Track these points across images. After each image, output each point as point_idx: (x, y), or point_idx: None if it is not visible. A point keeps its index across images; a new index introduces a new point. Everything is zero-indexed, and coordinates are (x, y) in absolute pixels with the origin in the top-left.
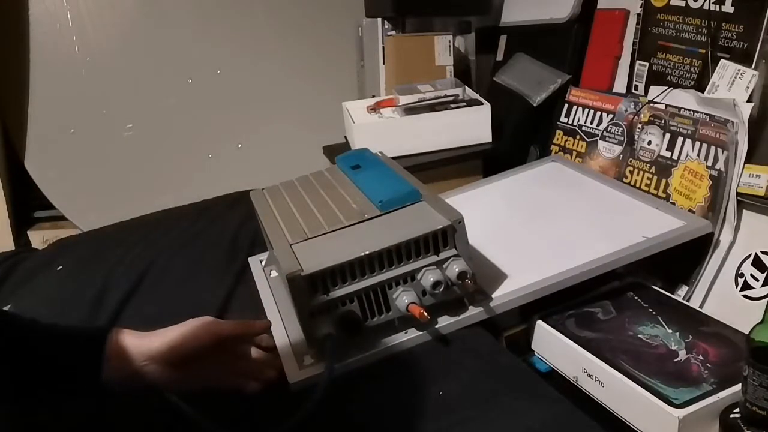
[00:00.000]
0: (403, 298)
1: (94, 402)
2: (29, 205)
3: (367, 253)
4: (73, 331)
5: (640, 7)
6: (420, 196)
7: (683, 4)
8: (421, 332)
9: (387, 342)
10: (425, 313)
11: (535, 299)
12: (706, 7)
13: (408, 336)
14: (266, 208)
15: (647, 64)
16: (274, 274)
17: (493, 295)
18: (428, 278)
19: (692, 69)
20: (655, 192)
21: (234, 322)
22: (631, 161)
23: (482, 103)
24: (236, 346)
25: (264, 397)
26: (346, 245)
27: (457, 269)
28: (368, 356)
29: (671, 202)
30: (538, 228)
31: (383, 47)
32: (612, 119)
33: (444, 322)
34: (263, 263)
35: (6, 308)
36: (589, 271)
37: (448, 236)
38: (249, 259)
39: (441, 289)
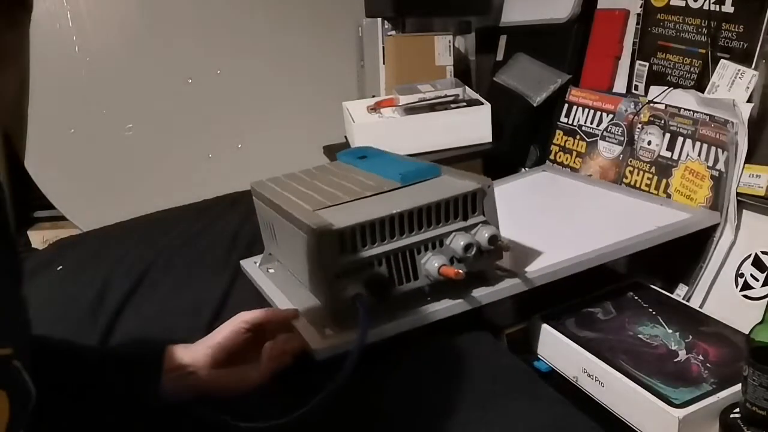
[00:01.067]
0: (434, 262)
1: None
2: (29, 205)
3: (398, 211)
4: (129, 351)
5: (640, 7)
6: (440, 171)
7: (683, 4)
8: (452, 302)
9: (419, 311)
10: (461, 272)
11: (558, 280)
12: (706, 7)
13: (442, 305)
14: (273, 192)
15: (647, 64)
16: (272, 270)
17: (526, 269)
18: (458, 242)
19: (692, 69)
20: (655, 192)
21: (264, 309)
22: (631, 161)
23: (482, 103)
24: (267, 333)
25: (285, 371)
26: (373, 208)
27: (486, 234)
28: (398, 324)
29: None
30: (551, 223)
31: (383, 47)
32: (612, 119)
33: (480, 292)
34: (258, 263)
35: None
36: (610, 253)
37: (478, 201)
38: (241, 262)
39: (472, 253)
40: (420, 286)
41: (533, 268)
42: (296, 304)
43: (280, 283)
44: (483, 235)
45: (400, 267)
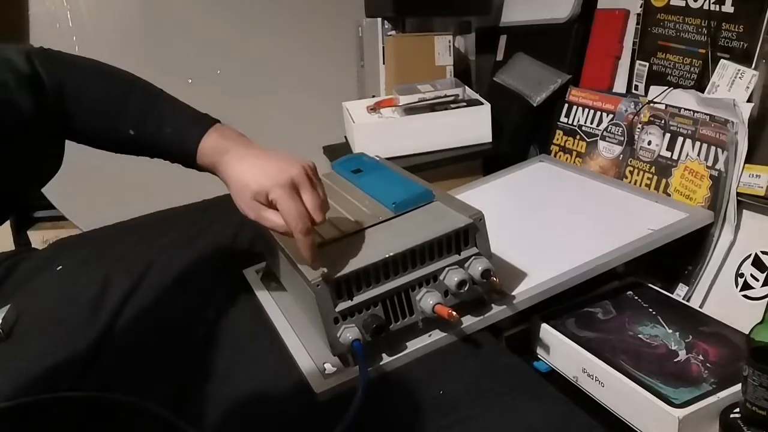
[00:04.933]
0: (428, 300)
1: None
2: (29, 205)
3: (392, 254)
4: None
5: (640, 7)
6: (433, 195)
7: (683, 4)
8: (445, 334)
9: (411, 345)
10: (455, 314)
11: (553, 295)
12: (706, 7)
13: (432, 338)
14: None
15: (647, 64)
16: (273, 285)
17: (512, 293)
18: (452, 278)
19: (692, 69)
20: (655, 192)
21: (306, 169)
22: (631, 161)
23: (482, 103)
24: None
25: (291, 409)
26: (368, 248)
27: (480, 268)
28: (394, 360)
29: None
30: (543, 226)
31: (383, 47)
32: (612, 119)
33: (468, 321)
34: (260, 275)
35: (6, 308)
36: (604, 264)
37: (470, 235)
38: (244, 271)
39: (465, 288)
40: (414, 321)
41: (525, 287)
42: (297, 331)
43: (281, 302)
44: (476, 268)
45: (395, 306)
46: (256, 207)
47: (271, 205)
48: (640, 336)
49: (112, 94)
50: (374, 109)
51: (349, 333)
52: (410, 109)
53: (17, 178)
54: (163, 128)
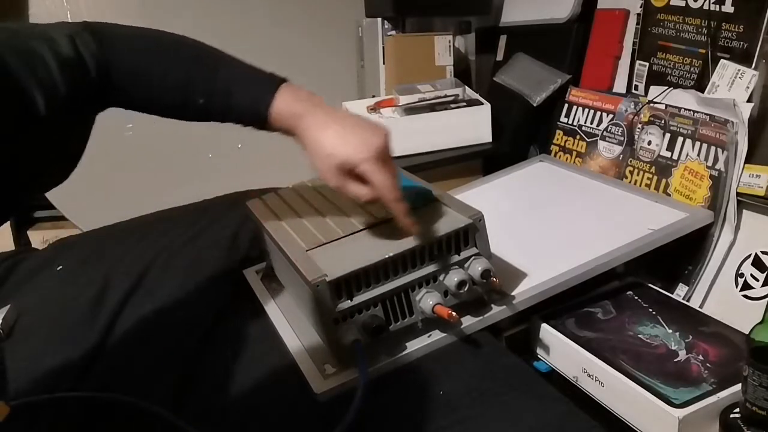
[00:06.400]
0: (428, 300)
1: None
2: (29, 205)
3: (392, 254)
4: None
5: (640, 7)
6: (433, 195)
7: (683, 4)
8: (444, 334)
9: (411, 346)
10: (454, 314)
11: (553, 295)
12: (706, 7)
13: (432, 339)
14: (269, 217)
15: (647, 64)
16: (273, 285)
17: (512, 293)
18: (452, 278)
19: (692, 69)
20: (655, 192)
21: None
22: (631, 161)
23: (482, 103)
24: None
25: (291, 409)
26: (367, 249)
27: (480, 268)
28: (394, 361)
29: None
30: (543, 226)
31: (383, 47)
32: (612, 119)
33: (468, 321)
34: (260, 275)
35: (6, 308)
36: (604, 264)
37: (470, 235)
38: (244, 272)
39: (465, 289)
40: (414, 322)
41: (525, 287)
42: (297, 332)
43: (281, 302)
44: (476, 268)
45: (395, 306)
46: (340, 177)
47: (352, 175)
48: (640, 336)
49: (174, 72)
50: (374, 109)
51: (349, 333)
52: (410, 109)
53: (45, 157)
54: (232, 95)
